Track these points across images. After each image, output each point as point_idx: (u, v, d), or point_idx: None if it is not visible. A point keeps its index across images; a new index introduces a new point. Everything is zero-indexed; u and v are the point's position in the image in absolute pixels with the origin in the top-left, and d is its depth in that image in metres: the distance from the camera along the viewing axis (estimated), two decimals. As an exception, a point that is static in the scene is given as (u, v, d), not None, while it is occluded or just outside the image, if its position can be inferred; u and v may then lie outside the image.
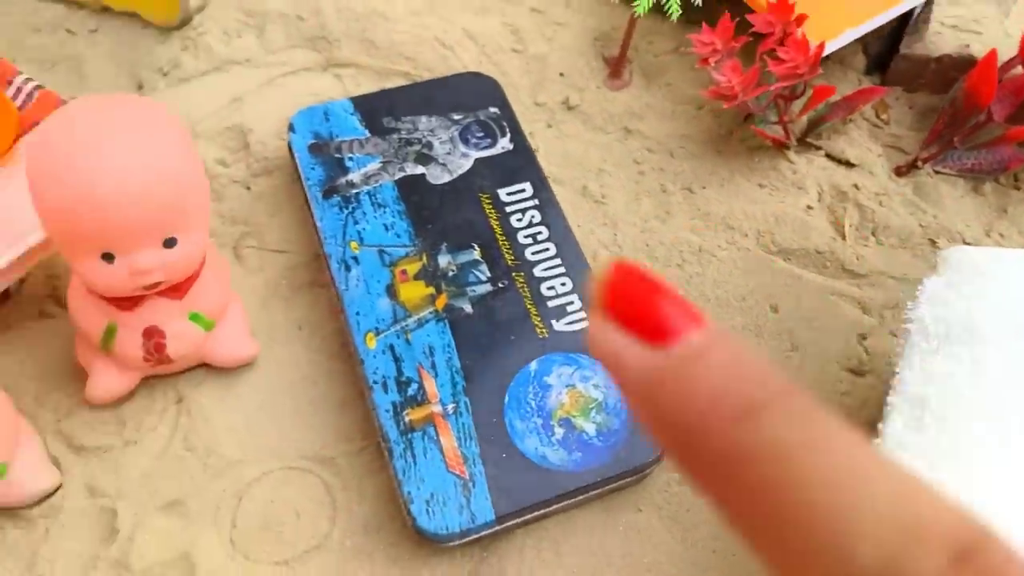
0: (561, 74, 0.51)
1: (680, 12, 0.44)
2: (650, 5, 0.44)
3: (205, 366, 0.41)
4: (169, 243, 0.34)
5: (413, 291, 0.40)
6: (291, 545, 0.37)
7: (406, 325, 0.39)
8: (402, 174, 0.44)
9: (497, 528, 0.35)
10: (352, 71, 0.50)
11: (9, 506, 0.36)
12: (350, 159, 0.44)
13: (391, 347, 0.39)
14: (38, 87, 0.42)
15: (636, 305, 0.14)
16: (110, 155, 0.32)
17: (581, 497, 0.37)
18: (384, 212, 0.42)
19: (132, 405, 0.40)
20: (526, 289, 0.41)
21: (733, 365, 0.14)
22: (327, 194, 0.43)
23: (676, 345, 0.14)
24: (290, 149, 0.45)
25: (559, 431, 0.37)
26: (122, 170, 0.32)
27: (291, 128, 0.45)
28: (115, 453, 0.38)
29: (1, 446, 0.34)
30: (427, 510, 0.35)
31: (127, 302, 0.36)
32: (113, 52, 0.51)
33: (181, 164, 0.33)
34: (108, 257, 0.33)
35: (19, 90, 0.41)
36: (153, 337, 0.37)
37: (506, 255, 0.42)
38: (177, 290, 0.37)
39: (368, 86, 0.50)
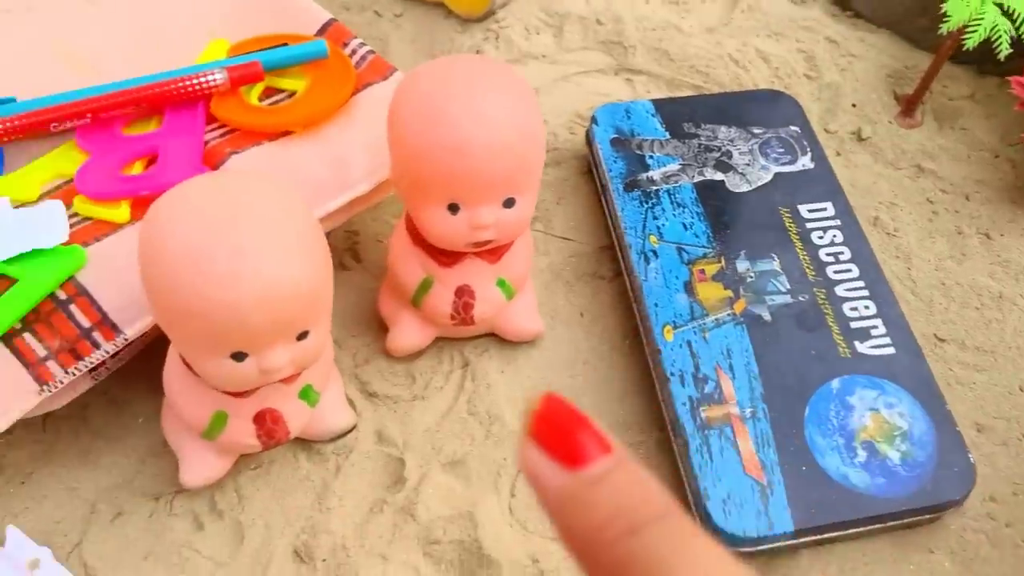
0: (853, 105, 0.50)
1: (1010, 50, 0.43)
2: (980, 39, 0.43)
3: (491, 336, 0.41)
4: (508, 203, 0.35)
5: (711, 291, 0.40)
6: (568, 524, 0.36)
7: (704, 323, 0.39)
8: (701, 178, 0.44)
9: (793, 541, 0.34)
10: (643, 78, 0.51)
11: (309, 438, 0.37)
12: (651, 157, 0.44)
13: (689, 343, 0.38)
14: (371, 51, 0.44)
15: (557, 432, 0.17)
16: (479, 106, 0.33)
17: (878, 525, 0.35)
18: (683, 211, 0.42)
19: (422, 363, 0.40)
20: (827, 306, 0.39)
21: (629, 487, 0.17)
22: (628, 187, 0.43)
23: (584, 469, 0.17)
24: (589, 141, 0.46)
25: (862, 453, 0.35)
26: (489, 121, 0.32)
27: (594, 121, 0.46)
28: (403, 405, 0.39)
29: (321, 378, 0.35)
30: (723, 509, 0.34)
31: (447, 258, 0.37)
32: (415, 36, 0.53)
33: (534, 125, 0.34)
34: (453, 208, 0.34)
35: (354, 52, 0.44)
36: (463, 296, 0.38)
37: (807, 270, 0.41)
38: (494, 254, 0.37)
39: (656, 93, 0.50)
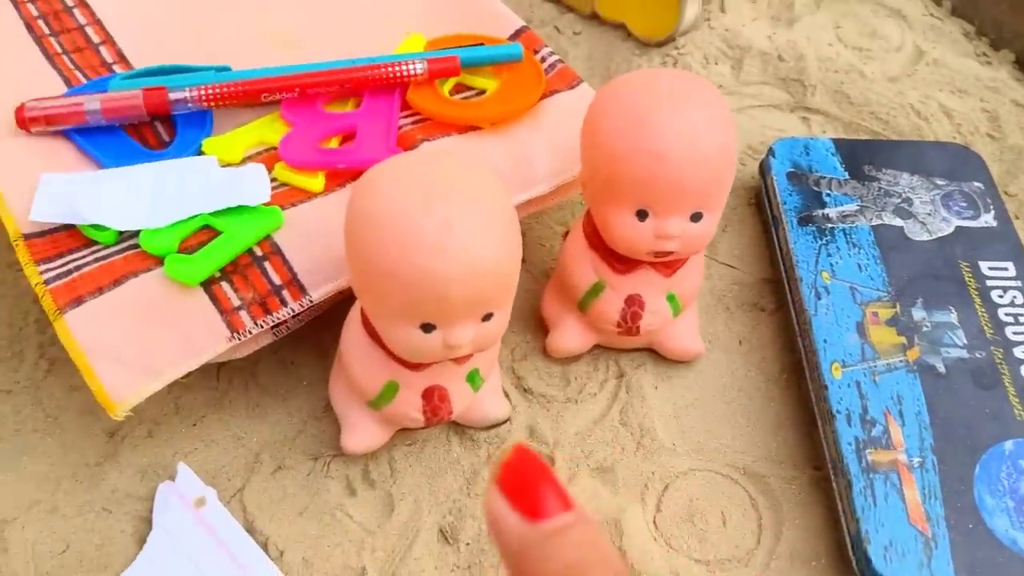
0: (1037, 169, 0.49)
1: None
2: None
3: (648, 351, 0.41)
4: (696, 217, 0.35)
5: (884, 335, 0.39)
6: (713, 548, 0.36)
7: (875, 366, 0.38)
8: (879, 221, 0.43)
9: (955, 599, 0.33)
10: (820, 117, 0.51)
11: (465, 423, 0.38)
12: (828, 195, 0.44)
13: (857, 383, 0.37)
14: (559, 60, 0.45)
15: (521, 483, 0.18)
16: (683, 116, 0.33)
17: (1045, 597, 0.33)
18: (858, 252, 0.42)
19: (578, 367, 0.41)
20: (1005, 366, 0.38)
21: (584, 545, 0.17)
22: (802, 221, 0.43)
23: (543, 522, 0.18)
24: (763, 172, 0.46)
25: (1034, 521, 0.34)
26: (691, 132, 0.33)
27: (771, 153, 0.46)
28: (557, 406, 0.39)
29: (488, 364, 0.36)
30: (885, 555, 0.33)
31: (623, 266, 0.37)
32: (591, 55, 0.54)
33: (731, 143, 0.34)
34: (641, 214, 0.35)
35: (543, 59, 0.45)
36: (633, 306, 0.38)
37: (985, 327, 0.39)
38: (669, 267, 0.38)
39: (832, 135, 0.50)
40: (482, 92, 0.44)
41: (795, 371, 0.41)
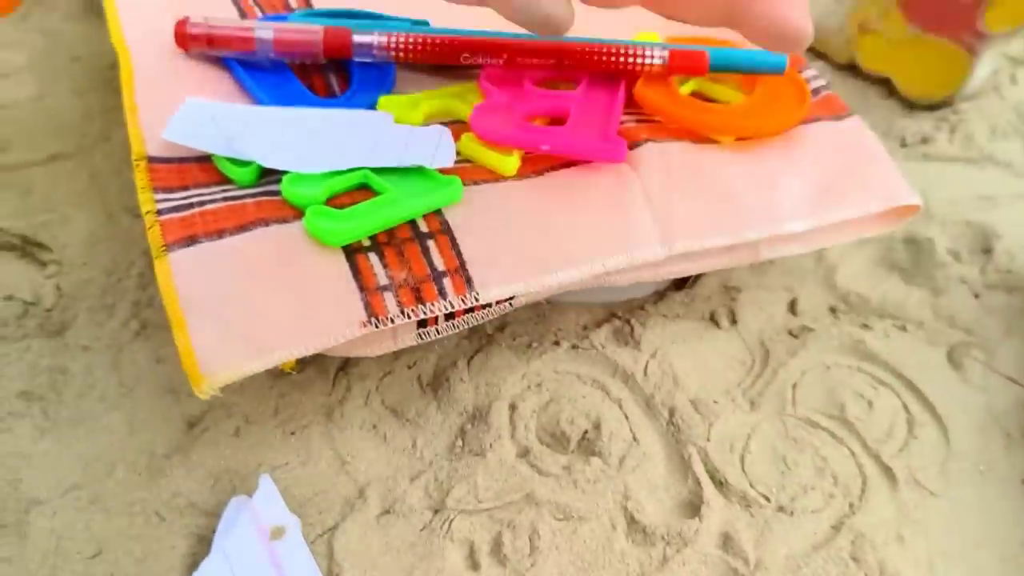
0: None
1: None
2: None
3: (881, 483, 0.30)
4: None
5: None
6: None
7: None
8: None
9: None
10: None
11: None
12: None
13: None
14: (826, 86, 0.36)
15: None
16: None
17: None
18: None
19: (798, 470, 0.30)
20: None
21: None
22: None
23: None
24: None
25: None
26: None
27: (1088, 247, 0.35)
28: (765, 512, 0.29)
29: None
30: None
31: None
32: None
33: None
34: None
35: (807, 81, 0.36)
36: None
37: None
38: None
39: None
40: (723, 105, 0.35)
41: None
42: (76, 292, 0.33)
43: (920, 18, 0.44)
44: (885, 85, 0.46)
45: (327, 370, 0.31)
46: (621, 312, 0.34)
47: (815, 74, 0.37)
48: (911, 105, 0.45)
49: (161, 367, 0.31)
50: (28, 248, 0.35)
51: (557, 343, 0.33)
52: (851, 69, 0.47)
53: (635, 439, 0.30)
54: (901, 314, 0.36)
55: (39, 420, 0.29)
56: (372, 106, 0.33)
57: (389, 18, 0.36)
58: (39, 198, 0.36)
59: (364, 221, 0.27)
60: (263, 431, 0.29)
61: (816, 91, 0.36)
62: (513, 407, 0.30)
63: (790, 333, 0.35)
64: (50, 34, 0.44)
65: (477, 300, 0.27)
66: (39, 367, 0.30)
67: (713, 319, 0.35)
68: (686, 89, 0.35)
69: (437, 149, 0.30)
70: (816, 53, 0.48)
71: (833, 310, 0.36)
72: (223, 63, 0.34)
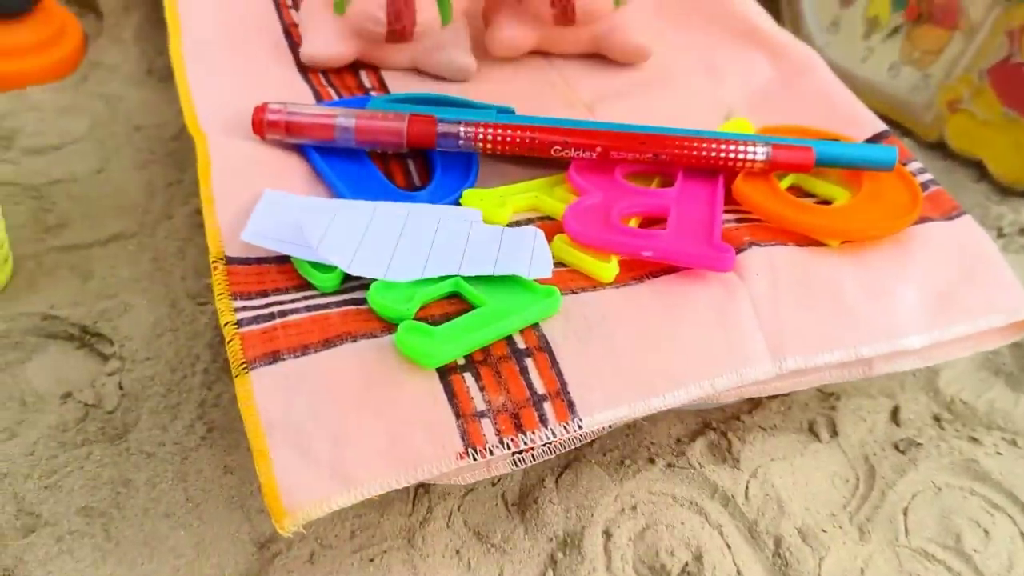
0: None
1: None
2: None
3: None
4: None
5: None
6: None
7: None
8: None
9: None
10: None
11: (429, 68, 0.37)
12: None
13: None
14: (933, 180, 0.34)
15: None
16: None
17: None
18: None
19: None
20: None
21: None
22: None
23: None
24: None
25: None
26: None
27: None
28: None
29: None
30: None
31: None
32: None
33: None
34: None
35: (913, 175, 0.34)
36: None
37: None
38: None
39: None
40: (827, 202, 0.33)
41: None
42: (139, 391, 0.31)
43: (1015, 100, 0.42)
44: (976, 167, 0.44)
45: (406, 487, 0.29)
46: (715, 422, 0.32)
47: (920, 167, 0.35)
48: (1005, 190, 0.42)
49: (228, 478, 0.29)
50: (88, 339, 0.33)
51: (651, 460, 0.30)
52: (939, 147, 0.45)
53: (739, 573, 0.28)
54: (1010, 426, 0.33)
55: (101, 540, 0.27)
56: (456, 200, 0.31)
57: (473, 104, 0.34)
58: (99, 282, 0.35)
59: (461, 341, 0.25)
60: (339, 556, 0.27)
61: (924, 186, 0.34)
62: (607, 534, 0.28)
63: (896, 447, 0.32)
64: (110, 99, 0.43)
65: (580, 428, 0.25)
66: (101, 479, 0.28)
67: (812, 430, 0.32)
68: (786, 183, 0.33)
69: (533, 257, 0.28)
70: (902, 130, 0.46)
71: (938, 419, 0.33)
72: (302, 151, 0.32)
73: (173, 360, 0.32)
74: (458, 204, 0.31)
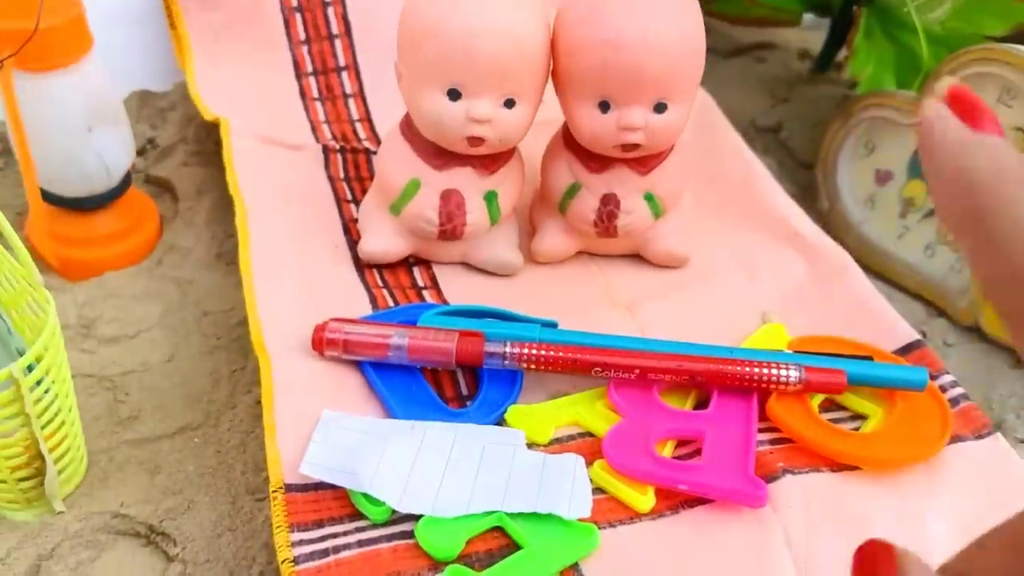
0: None
1: None
2: None
3: None
4: (659, 108, 0.35)
5: None
6: None
7: None
8: None
9: None
10: None
11: (476, 262, 0.38)
12: None
13: None
14: (964, 394, 0.35)
15: (968, 99, 0.18)
16: (641, 4, 0.34)
17: None
18: None
19: None
20: None
21: (1010, 156, 0.17)
22: None
23: (984, 134, 0.18)
24: None
25: None
26: (645, 18, 0.34)
27: None
28: None
29: (507, 194, 0.39)
30: None
31: (596, 164, 0.38)
32: (964, 375, 0.43)
33: (693, 29, 0.35)
34: (604, 106, 0.35)
35: (944, 389, 0.35)
36: (609, 204, 0.38)
37: None
38: (643, 165, 0.37)
39: None
40: (860, 416, 0.34)
41: None
42: (199, 595, 0.33)
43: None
44: (1011, 352, 0.44)
45: None
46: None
47: (952, 380, 0.35)
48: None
49: None
50: (154, 537, 0.35)
51: None
52: (976, 331, 0.45)
53: None
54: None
55: None
56: (501, 416, 0.33)
57: (517, 317, 0.36)
58: (166, 478, 0.37)
59: (509, 584, 0.27)
60: None
61: (955, 401, 0.35)
62: None
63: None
64: (182, 284, 0.45)
65: (617, 675, 0.26)
66: None
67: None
68: (819, 398, 0.34)
69: (573, 491, 0.29)
70: (936, 308, 0.47)
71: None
72: (357, 365, 0.34)
73: (231, 562, 0.34)
74: (503, 422, 0.33)
